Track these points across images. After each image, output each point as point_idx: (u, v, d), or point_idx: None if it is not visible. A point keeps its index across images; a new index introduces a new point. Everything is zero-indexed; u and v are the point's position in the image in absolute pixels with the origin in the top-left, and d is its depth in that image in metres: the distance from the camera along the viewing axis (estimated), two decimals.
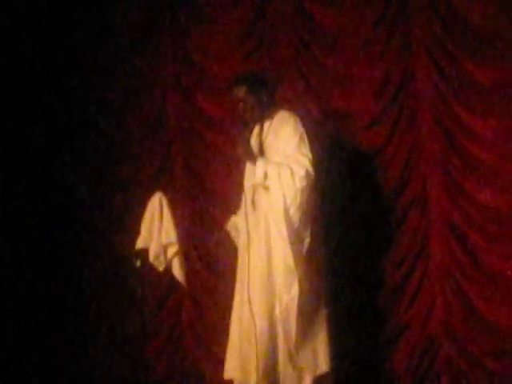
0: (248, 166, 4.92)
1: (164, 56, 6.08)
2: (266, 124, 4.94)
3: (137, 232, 5.08)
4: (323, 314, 4.83)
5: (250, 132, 4.94)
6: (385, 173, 5.49)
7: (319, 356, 4.77)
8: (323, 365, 4.77)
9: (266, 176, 4.76)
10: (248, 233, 4.84)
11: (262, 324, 4.66)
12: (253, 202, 4.84)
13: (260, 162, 4.79)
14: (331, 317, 4.86)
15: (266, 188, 4.77)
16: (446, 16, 5.29)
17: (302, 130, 4.87)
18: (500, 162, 5.15)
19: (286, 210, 4.69)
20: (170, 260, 5.08)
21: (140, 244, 5.06)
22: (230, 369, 4.88)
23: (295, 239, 4.71)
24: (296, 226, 4.71)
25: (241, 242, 4.96)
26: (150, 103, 6.14)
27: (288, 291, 4.67)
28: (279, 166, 4.75)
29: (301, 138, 4.84)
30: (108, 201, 6.09)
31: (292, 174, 4.71)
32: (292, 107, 5.52)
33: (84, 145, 6.17)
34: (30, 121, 6.11)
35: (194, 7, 6.00)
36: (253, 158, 4.81)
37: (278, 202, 4.71)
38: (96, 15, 6.18)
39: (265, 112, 4.94)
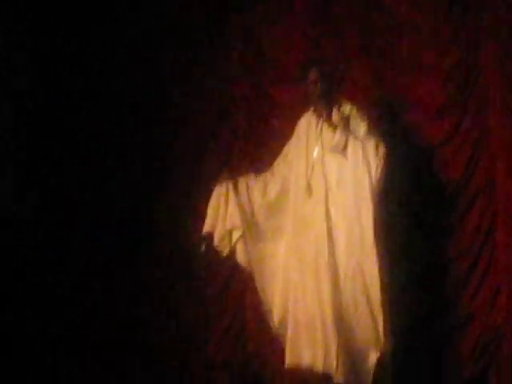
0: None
1: (233, 44, 6.11)
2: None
3: (203, 217, 5.15)
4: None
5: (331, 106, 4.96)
6: (452, 161, 5.49)
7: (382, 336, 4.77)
8: (385, 344, 4.78)
9: (345, 146, 4.81)
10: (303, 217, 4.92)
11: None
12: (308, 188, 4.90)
13: (340, 130, 4.83)
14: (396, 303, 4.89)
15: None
16: None
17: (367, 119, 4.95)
18: None
19: (371, 181, 4.76)
20: (235, 244, 5.14)
21: (206, 228, 5.13)
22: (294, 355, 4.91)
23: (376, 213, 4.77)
24: (376, 200, 4.77)
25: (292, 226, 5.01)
26: (218, 92, 6.18)
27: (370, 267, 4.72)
28: (362, 139, 4.82)
29: (369, 126, 4.92)
30: (176, 186, 6.14)
31: (377, 147, 4.79)
32: (358, 96, 5.61)
33: (148, 136, 6.21)
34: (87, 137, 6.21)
35: None
36: (333, 127, 4.86)
37: (362, 173, 4.77)
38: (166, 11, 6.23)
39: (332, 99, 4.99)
